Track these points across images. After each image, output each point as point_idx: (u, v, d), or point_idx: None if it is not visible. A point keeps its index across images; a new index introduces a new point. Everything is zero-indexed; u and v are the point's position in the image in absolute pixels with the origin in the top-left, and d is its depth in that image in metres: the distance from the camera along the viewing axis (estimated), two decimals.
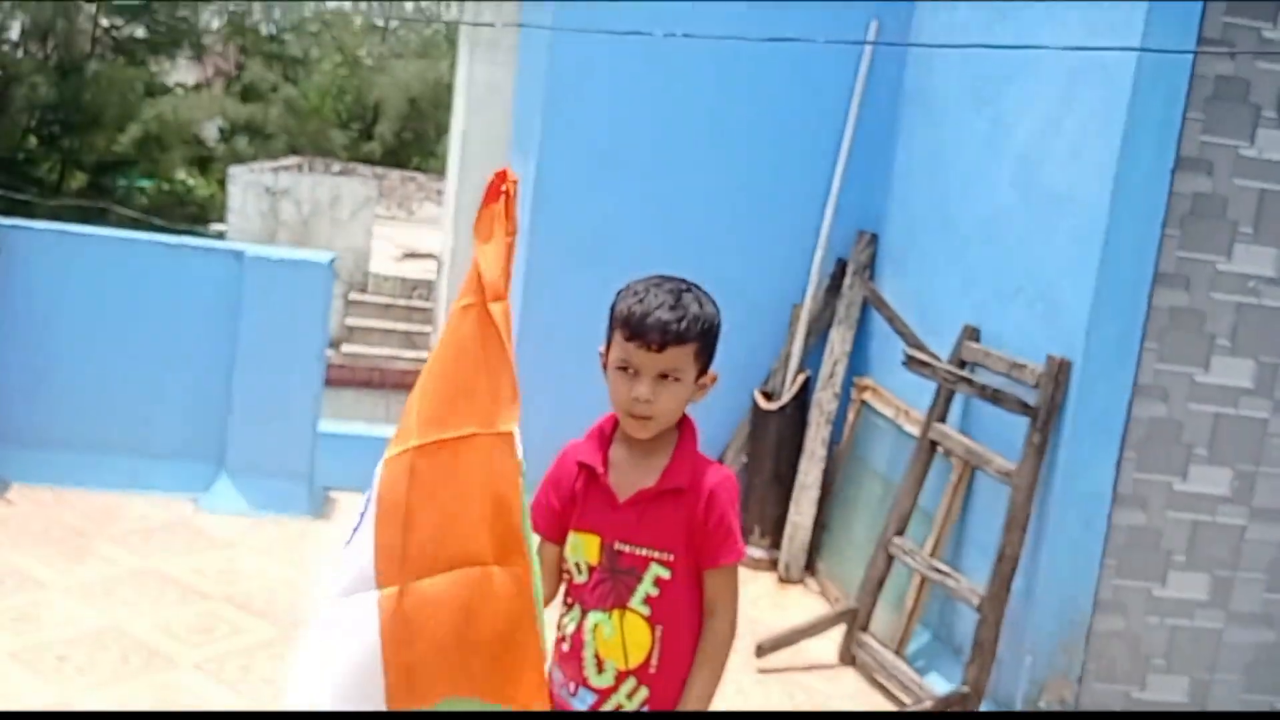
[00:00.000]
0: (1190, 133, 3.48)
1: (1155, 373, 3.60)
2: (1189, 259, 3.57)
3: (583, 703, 2.00)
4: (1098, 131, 3.53)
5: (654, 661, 1.98)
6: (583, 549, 2.01)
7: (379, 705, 1.79)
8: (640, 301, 1.95)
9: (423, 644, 1.79)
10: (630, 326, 1.94)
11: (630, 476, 2.01)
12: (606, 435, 2.05)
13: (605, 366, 2.01)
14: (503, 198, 1.90)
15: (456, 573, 1.80)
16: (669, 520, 1.98)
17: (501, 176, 1.91)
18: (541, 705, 1.82)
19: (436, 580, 1.80)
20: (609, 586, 1.98)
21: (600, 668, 1.99)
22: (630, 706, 1.98)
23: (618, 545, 1.98)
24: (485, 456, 1.82)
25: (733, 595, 2.01)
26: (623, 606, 1.98)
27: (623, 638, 1.97)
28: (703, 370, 2.00)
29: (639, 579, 1.98)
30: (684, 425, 2.04)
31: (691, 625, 2.02)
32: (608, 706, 1.98)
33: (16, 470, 4.78)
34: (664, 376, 1.94)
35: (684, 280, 2.01)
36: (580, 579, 2.02)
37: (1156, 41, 3.36)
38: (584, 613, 2.01)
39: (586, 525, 2.02)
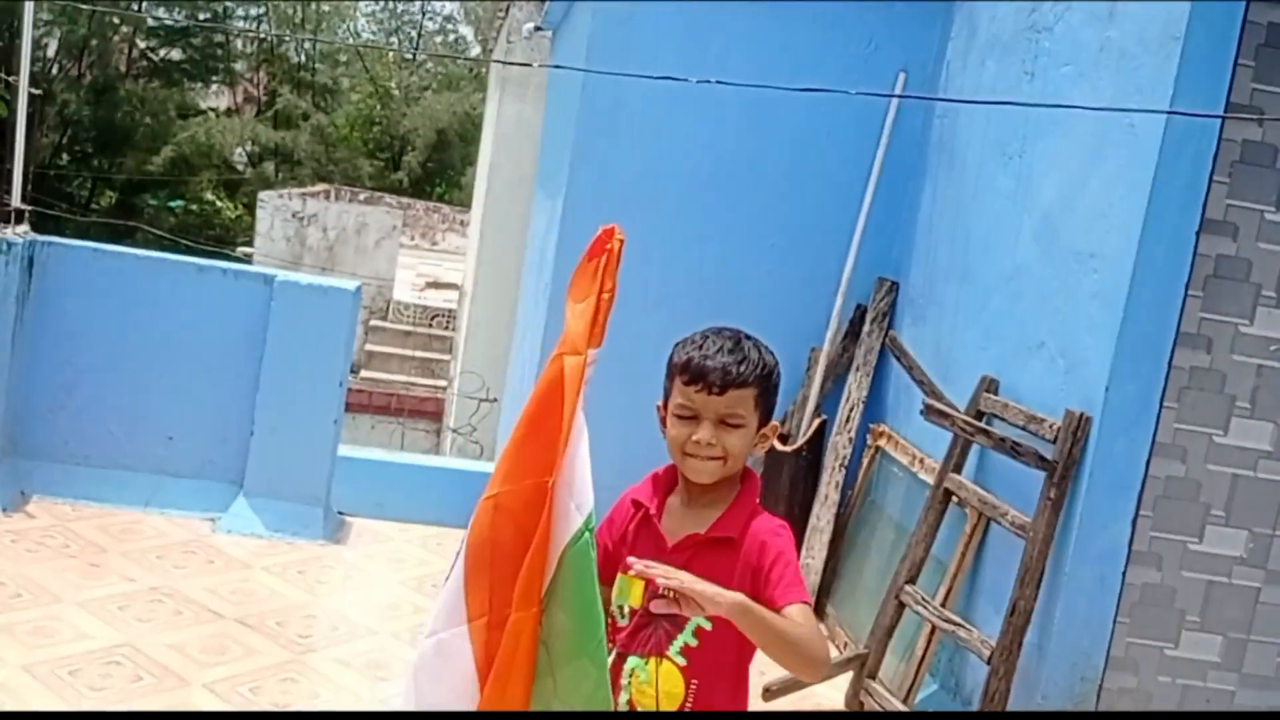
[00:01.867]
0: (1216, 196, 3.51)
1: (1174, 432, 3.60)
2: (1211, 320, 3.59)
3: None
4: (1124, 191, 3.57)
5: (688, 709, 1.96)
6: (626, 592, 1.97)
7: None
8: (700, 348, 1.98)
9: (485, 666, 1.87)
10: (690, 371, 1.96)
11: (684, 524, 2.01)
12: (662, 481, 2.06)
13: (664, 421, 2.02)
14: (606, 254, 1.92)
15: (512, 619, 1.86)
16: (717, 569, 1.93)
17: (609, 234, 1.93)
18: None
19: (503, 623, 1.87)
20: (649, 632, 1.98)
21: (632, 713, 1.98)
22: None
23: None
24: (541, 505, 1.87)
25: (815, 627, 1.90)
26: (660, 654, 1.97)
27: (657, 686, 1.96)
28: (764, 420, 2.00)
29: (680, 628, 1.96)
30: (747, 478, 2.03)
31: (728, 683, 1.99)
32: None
33: (37, 484, 4.84)
34: (724, 422, 1.95)
35: (742, 330, 2.04)
36: (622, 622, 2.01)
37: (1185, 106, 3.39)
38: (620, 658, 2.00)
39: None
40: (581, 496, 1.86)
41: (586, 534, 1.88)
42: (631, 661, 1.99)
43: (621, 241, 1.92)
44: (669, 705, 1.97)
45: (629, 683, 1.98)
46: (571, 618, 1.84)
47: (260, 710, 3.49)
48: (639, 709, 1.98)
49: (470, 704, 1.85)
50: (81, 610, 3.95)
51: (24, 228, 4.75)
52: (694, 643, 1.97)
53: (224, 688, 3.59)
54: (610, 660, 1.97)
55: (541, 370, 1.96)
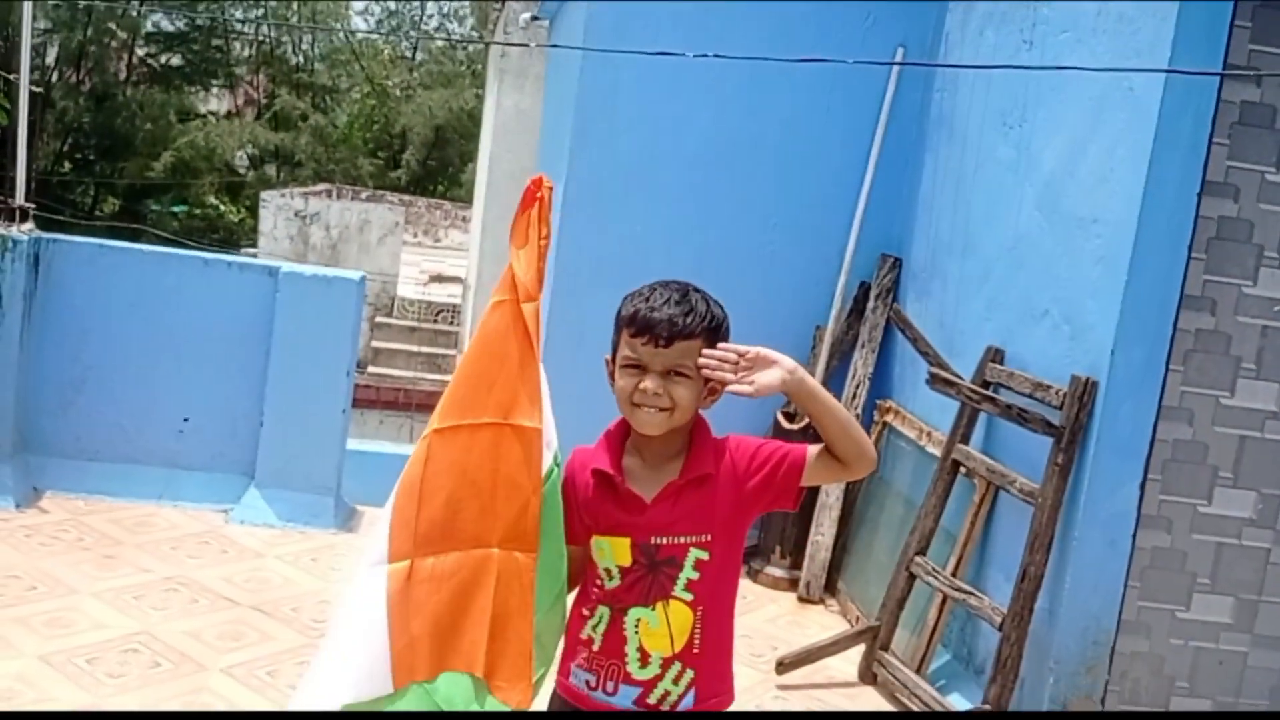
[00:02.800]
0: (1216, 157, 3.51)
1: (1180, 395, 3.61)
2: (1215, 282, 3.59)
3: (626, 699, 2.01)
4: (1124, 156, 3.57)
5: (697, 642, 2.01)
6: (611, 553, 2.02)
7: (384, 676, 1.88)
8: (646, 300, 1.99)
9: (423, 619, 1.89)
10: (637, 323, 1.97)
11: (649, 477, 2.03)
12: (617, 441, 2.06)
13: (612, 375, 2.04)
14: (537, 203, 2.00)
15: (460, 553, 1.91)
16: (702, 504, 2.01)
17: (537, 183, 2.01)
18: (521, 689, 1.91)
19: (443, 559, 1.91)
20: (649, 581, 2.00)
21: (644, 660, 2.01)
22: (677, 690, 2.00)
23: (654, 540, 2.00)
24: (498, 444, 1.94)
25: None
26: (666, 597, 2.00)
27: (668, 626, 2.00)
28: None
29: (680, 567, 2.00)
30: (695, 421, 2.05)
31: (727, 602, 2.07)
32: (655, 694, 2.00)
33: (51, 479, 4.87)
34: (671, 373, 1.97)
35: (689, 283, 2.05)
36: (611, 583, 2.02)
37: (1183, 66, 3.40)
38: (619, 611, 2.02)
39: (613, 530, 2.02)
40: (549, 434, 1.98)
41: (555, 470, 2.00)
42: (636, 613, 2.01)
43: (550, 189, 2.00)
44: (682, 640, 2.00)
45: (635, 633, 2.01)
46: (540, 552, 1.95)
47: (281, 696, 3.52)
48: (651, 654, 2.00)
49: (377, 649, 1.88)
50: (97, 601, 3.98)
51: (29, 225, 4.77)
52: (696, 576, 2.00)
53: (242, 672, 3.62)
54: (605, 620, 2.04)
55: (499, 329, 1.99)
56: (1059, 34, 4.04)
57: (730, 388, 1.96)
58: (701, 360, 1.95)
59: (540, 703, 2.09)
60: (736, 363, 1.94)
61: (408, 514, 1.93)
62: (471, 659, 1.90)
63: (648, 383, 1.96)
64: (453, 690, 1.90)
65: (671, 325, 1.95)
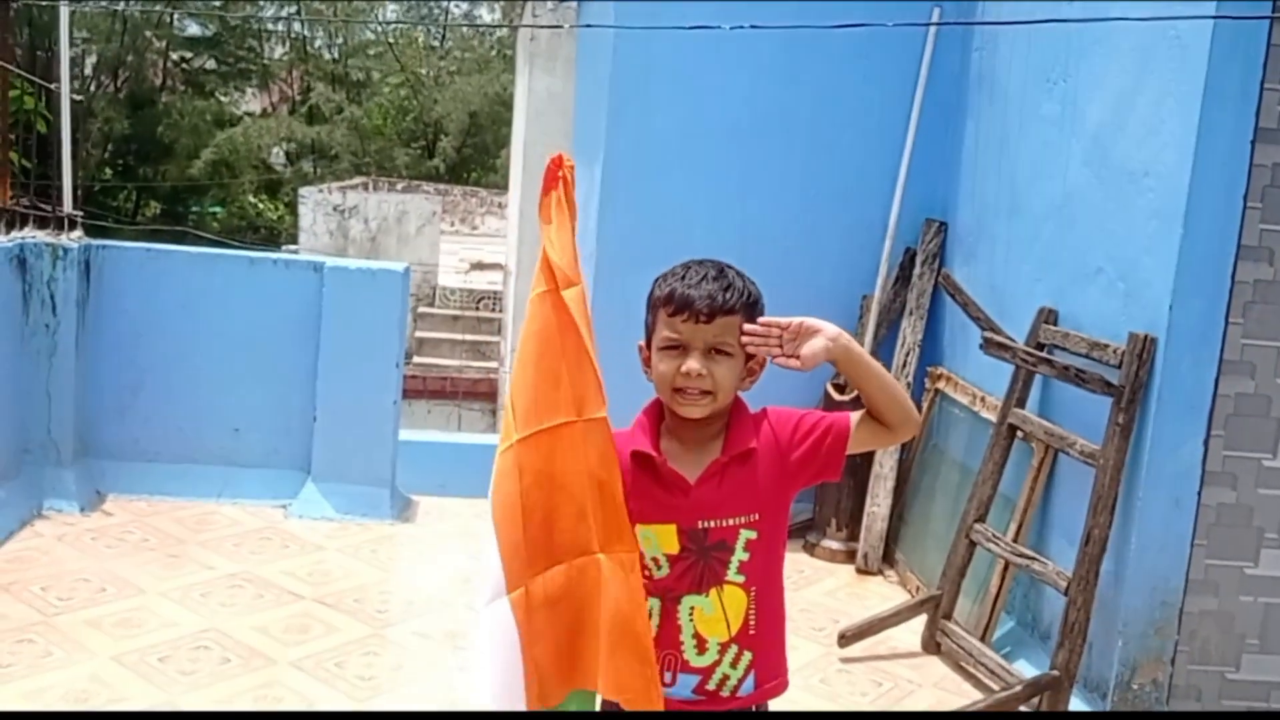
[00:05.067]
0: (1269, 103, 3.42)
1: (1241, 348, 3.53)
2: (1272, 231, 3.50)
3: (686, 688, 1.98)
4: (1174, 106, 3.49)
5: (753, 622, 1.98)
6: (657, 542, 1.96)
7: (521, 705, 1.81)
8: (682, 279, 1.95)
9: (544, 642, 1.81)
10: (676, 301, 1.92)
11: (692, 460, 1.98)
12: (654, 423, 2.02)
13: (647, 361, 2.00)
14: (561, 183, 1.93)
15: (565, 565, 1.82)
16: (749, 481, 1.97)
17: (558, 162, 1.94)
18: (653, 698, 1.81)
19: (550, 574, 1.82)
20: (700, 568, 1.96)
21: (701, 647, 1.97)
22: (736, 673, 1.98)
23: (702, 524, 1.95)
24: (580, 443, 1.85)
25: None
26: (720, 583, 1.96)
27: (723, 610, 1.97)
28: (750, 351, 1.97)
29: (731, 550, 1.96)
30: (733, 401, 2.02)
31: (777, 578, 2.04)
32: (714, 679, 1.98)
33: (113, 482, 4.95)
34: (713, 352, 1.93)
35: (720, 260, 2.02)
36: (660, 573, 1.97)
37: (1231, 10, 3.31)
38: (672, 601, 1.97)
39: (657, 517, 1.96)
40: None
41: None
42: (690, 600, 1.97)
43: (571, 167, 1.94)
44: (737, 623, 1.97)
45: (689, 621, 1.97)
46: None
47: (350, 687, 3.57)
48: (709, 640, 1.97)
49: (520, 680, 1.81)
50: (165, 599, 4.05)
51: (78, 233, 4.85)
52: (746, 556, 1.97)
53: (310, 664, 3.67)
54: (657, 611, 1.97)
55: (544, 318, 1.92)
56: None
57: (777, 361, 1.93)
58: (745, 337, 1.91)
59: None
60: (780, 336, 1.91)
61: (514, 537, 1.84)
62: (593, 678, 1.81)
63: (691, 363, 1.91)
64: (585, 706, 1.85)
65: (712, 300, 1.91)
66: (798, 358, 1.90)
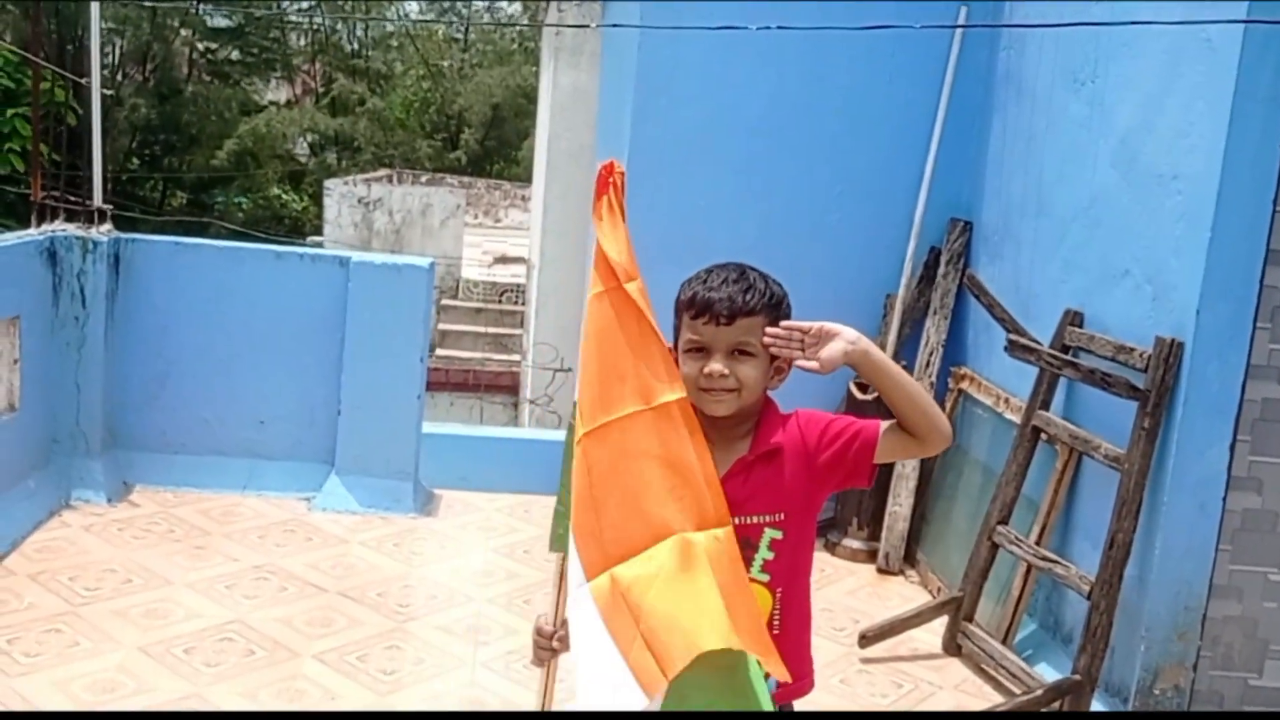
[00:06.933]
0: None
1: (1269, 353, 3.51)
2: None
3: None
4: (1204, 109, 3.46)
5: (777, 623, 2.00)
6: None
7: (637, 692, 1.78)
8: (704, 282, 1.99)
9: (645, 621, 1.80)
10: (697, 304, 1.97)
11: (718, 457, 1.99)
12: None
13: (676, 363, 2.01)
14: (611, 188, 1.98)
15: (653, 546, 1.83)
16: (774, 481, 1.99)
17: (609, 168, 1.98)
18: (767, 645, 1.80)
19: (641, 559, 1.83)
20: None
21: None
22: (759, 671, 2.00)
23: (809, 335, 1.96)
24: (652, 430, 1.87)
25: None
26: None
27: None
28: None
29: (755, 548, 1.99)
30: (762, 400, 2.04)
31: (804, 581, 2.05)
32: None
33: (140, 473, 5.00)
34: (736, 352, 1.96)
35: (745, 263, 2.04)
36: None
37: (1263, 14, 3.28)
38: None
39: None
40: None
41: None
42: None
43: (622, 173, 1.98)
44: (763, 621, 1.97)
45: None
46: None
47: (372, 680, 3.60)
48: None
49: (617, 668, 1.80)
50: (191, 591, 4.09)
51: (107, 226, 4.89)
52: (771, 555, 1.99)
53: (333, 657, 3.70)
54: None
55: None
56: None
57: (797, 363, 1.96)
58: (766, 338, 1.94)
59: None
60: (802, 340, 1.93)
61: (589, 527, 1.88)
62: (723, 635, 1.75)
63: (714, 364, 1.95)
64: (717, 677, 1.80)
65: (731, 302, 1.95)
66: (818, 361, 1.92)
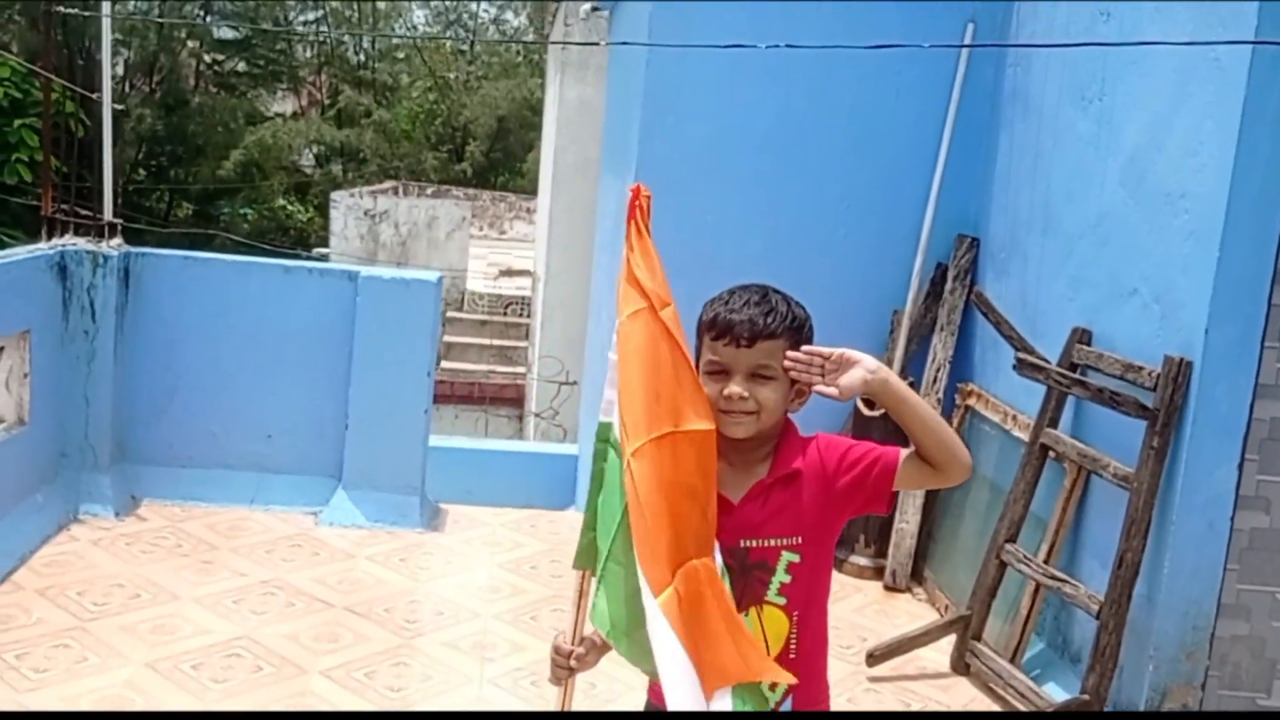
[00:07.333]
0: None
1: (1277, 372, 3.50)
2: None
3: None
4: (1212, 128, 3.47)
5: (794, 647, 2.00)
6: None
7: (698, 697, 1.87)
8: (726, 304, 1.99)
9: (689, 641, 1.87)
10: (718, 326, 1.97)
11: (737, 479, 2.01)
12: None
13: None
14: (638, 211, 2.00)
15: (683, 569, 1.87)
16: (792, 505, 1.99)
17: (636, 192, 1.99)
18: (774, 670, 1.89)
19: (677, 578, 1.88)
20: (741, 586, 1.98)
21: None
22: (774, 697, 1.98)
23: (744, 543, 1.98)
24: (675, 453, 1.90)
25: None
26: (759, 602, 1.98)
27: (763, 632, 1.98)
28: None
29: (772, 571, 1.99)
30: (783, 422, 2.05)
31: (821, 605, 2.05)
32: None
33: (147, 487, 5.01)
34: (756, 375, 1.96)
35: (768, 285, 2.05)
36: None
37: (1271, 35, 3.29)
38: None
39: None
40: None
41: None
42: None
43: (649, 196, 1.99)
44: (777, 646, 1.99)
45: None
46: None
47: (380, 697, 3.59)
48: None
49: (691, 675, 1.86)
50: (198, 606, 4.09)
51: (117, 240, 4.90)
52: (788, 579, 1.99)
53: (340, 674, 3.70)
54: None
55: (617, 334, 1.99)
56: (1138, 3, 3.93)
57: (816, 388, 1.96)
58: (787, 362, 1.94)
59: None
60: (823, 365, 1.93)
61: (647, 544, 1.90)
62: (725, 674, 1.87)
63: (733, 387, 1.95)
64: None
65: (753, 325, 1.95)
66: (837, 387, 1.92)
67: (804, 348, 1.96)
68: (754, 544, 1.99)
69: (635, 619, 1.94)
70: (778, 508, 1.99)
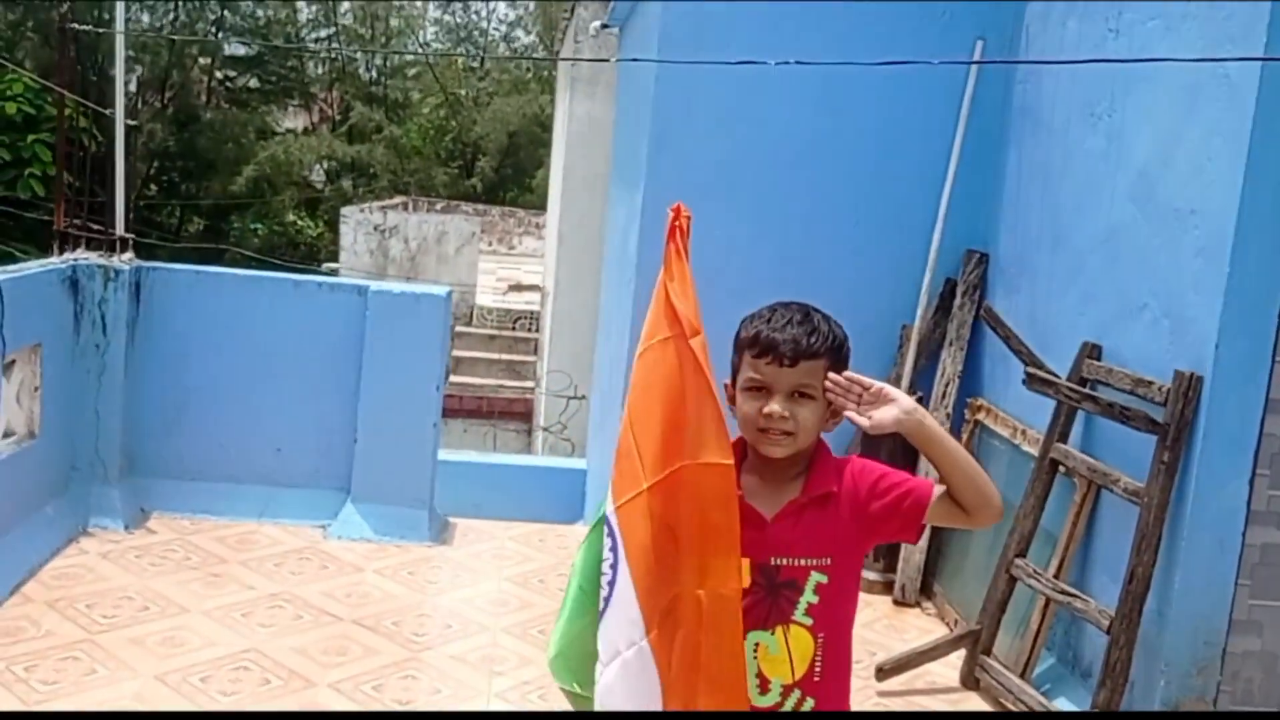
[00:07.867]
0: None
1: None
2: None
3: None
4: (1222, 144, 3.47)
5: (818, 669, 1.99)
6: None
7: None
8: (768, 322, 1.99)
9: (669, 675, 1.87)
10: (761, 344, 1.97)
11: (771, 497, 2.01)
12: (736, 460, 2.03)
13: (732, 399, 2.03)
14: (678, 232, 1.97)
15: (673, 599, 1.88)
16: (823, 526, 1.99)
17: (677, 211, 1.97)
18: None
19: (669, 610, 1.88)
20: (768, 604, 1.98)
21: (764, 687, 1.99)
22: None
23: (774, 560, 1.98)
24: (694, 486, 1.89)
25: None
26: (786, 621, 1.98)
27: (788, 651, 1.98)
28: None
29: (800, 591, 1.98)
30: (817, 442, 2.05)
31: (847, 628, 2.05)
32: None
33: (157, 500, 5.02)
34: (796, 394, 1.96)
35: (808, 303, 2.05)
36: None
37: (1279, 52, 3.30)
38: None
39: None
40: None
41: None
42: (754, 636, 1.98)
43: (689, 217, 1.97)
44: (802, 667, 1.99)
45: (754, 658, 1.98)
46: None
47: (385, 707, 3.59)
48: (771, 680, 1.99)
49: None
50: (207, 619, 4.09)
51: (129, 255, 4.93)
52: (816, 600, 1.98)
53: (348, 686, 3.70)
54: None
55: (636, 359, 1.98)
56: (1146, 21, 3.94)
57: (848, 415, 1.96)
58: (828, 384, 1.95)
59: None
60: (861, 394, 1.94)
61: (650, 581, 1.89)
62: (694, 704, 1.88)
63: (774, 405, 1.95)
64: None
65: (796, 345, 1.95)
66: (869, 419, 1.93)
67: (846, 374, 1.96)
68: (785, 562, 1.99)
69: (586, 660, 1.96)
70: (810, 528, 1.99)
